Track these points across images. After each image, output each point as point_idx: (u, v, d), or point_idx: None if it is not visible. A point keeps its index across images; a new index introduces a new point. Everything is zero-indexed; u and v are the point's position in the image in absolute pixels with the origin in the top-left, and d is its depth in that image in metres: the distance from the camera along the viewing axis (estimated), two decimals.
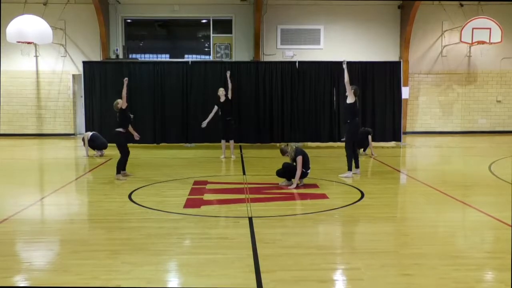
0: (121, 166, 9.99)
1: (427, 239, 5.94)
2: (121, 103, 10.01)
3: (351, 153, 10.16)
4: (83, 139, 13.78)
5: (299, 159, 8.88)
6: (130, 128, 10.35)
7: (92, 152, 13.54)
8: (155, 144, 15.93)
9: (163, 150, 15.18)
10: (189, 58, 19.52)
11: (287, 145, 9.26)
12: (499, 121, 19.94)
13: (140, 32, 20.72)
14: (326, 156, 13.69)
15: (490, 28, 17.70)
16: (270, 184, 9.24)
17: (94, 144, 13.50)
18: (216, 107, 13.01)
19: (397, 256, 5.34)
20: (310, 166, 9.19)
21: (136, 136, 10.41)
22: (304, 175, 9.06)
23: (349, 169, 10.12)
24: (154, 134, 15.96)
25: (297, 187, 8.92)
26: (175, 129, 16.03)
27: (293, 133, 16.11)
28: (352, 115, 10.12)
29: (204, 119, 13.31)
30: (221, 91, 13.02)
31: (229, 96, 13.10)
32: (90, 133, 13.79)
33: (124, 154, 10.01)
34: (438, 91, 19.87)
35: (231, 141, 13.22)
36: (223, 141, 13.14)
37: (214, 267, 4.98)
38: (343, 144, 15.79)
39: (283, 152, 9.21)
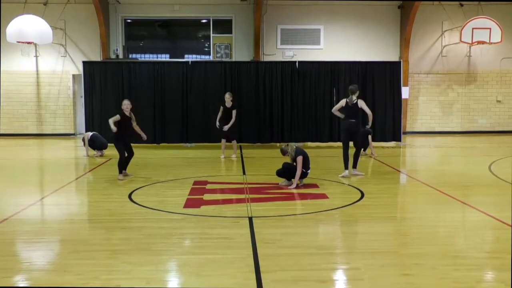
0: (122, 166, 9.94)
1: (427, 239, 5.94)
2: (123, 112, 9.89)
3: (346, 152, 10.19)
4: (83, 139, 13.79)
5: (299, 159, 8.88)
6: (137, 128, 10.27)
7: (92, 152, 13.55)
8: (155, 144, 15.93)
9: (163, 150, 15.18)
10: (189, 58, 19.52)
11: (288, 145, 9.26)
12: (499, 121, 19.94)
13: (140, 32, 20.73)
14: (326, 156, 13.69)
15: (490, 28, 17.70)
16: (270, 184, 9.24)
17: (94, 144, 13.50)
18: (222, 108, 12.98)
19: (397, 256, 5.34)
20: (310, 166, 9.20)
21: (144, 136, 10.31)
22: (304, 175, 9.06)
23: (346, 167, 10.17)
24: (154, 134, 15.94)
25: (297, 187, 8.92)
26: (175, 129, 16.02)
27: (293, 133, 16.11)
28: (356, 114, 10.12)
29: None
30: (228, 96, 12.97)
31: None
32: (90, 133, 13.80)
33: (122, 154, 9.92)
34: (438, 91, 19.87)
35: (234, 141, 13.23)
36: (223, 141, 13.14)
37: (214, 267, 4.98)
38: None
39: (284, 152, 9.21)
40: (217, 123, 13.01)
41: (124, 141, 10.03)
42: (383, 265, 5.02)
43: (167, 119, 16.00)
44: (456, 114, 19.96)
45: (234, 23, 19.35)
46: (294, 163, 8.99)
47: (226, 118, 12.92)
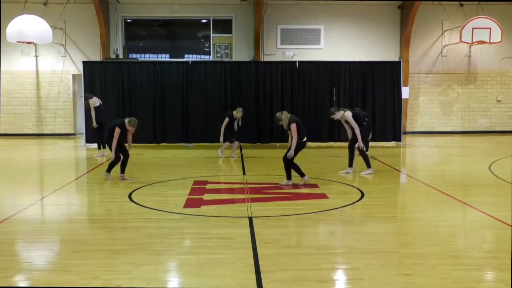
0: (112, 166, 9.66)
1: (427, 239, 5.94)
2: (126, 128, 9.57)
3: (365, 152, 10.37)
4: (87, 105, 13.14)
5: (293, 126, 8.80)
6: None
7: (93, 152, 13.54)
8: (155, 144, 15.93)
9: (163, 150, 15.18)
10: (189, 58, 19.52)
11: (282, 112, 9.17)
12: (499, 121, 19.94)
13: (140, 32, 20.72)
14: (326, 156, 13.69)
15: (490, 28, 17.70)
16: (270, 184, 9.24)
17: (99, 116, 13.01)
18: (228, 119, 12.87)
19: (397, 256, 5.34)
20: (306, 137, 9.09)
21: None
22: (301, 145, 8.93)
23: (369, 166, 10.36)
24: (154, 134, 15.95)
25: (297, 186, 8.92)
26: (175, 129, 16.03)
27: None
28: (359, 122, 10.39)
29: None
30: (239, 113, 12.95)
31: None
32: (97, 100, 13.17)
33: (115, 156, 9.55)
34: (438, 91, 19.87)
35: (236, 142, 13.21)
36: (236, 142, 13.10)
37: (214, 267, 4.98)
38: (342, 144, 15.86)
39: (278, 120, 9.08)
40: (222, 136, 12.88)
41: (120, 144, 9.65)
42: (383, 265, 5.02)
43: (167, 119, 16.00)
44: (456, 114, 19.96)
45: (234, 23, 19.35)
46: (289, 131, 8.93)
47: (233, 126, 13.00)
